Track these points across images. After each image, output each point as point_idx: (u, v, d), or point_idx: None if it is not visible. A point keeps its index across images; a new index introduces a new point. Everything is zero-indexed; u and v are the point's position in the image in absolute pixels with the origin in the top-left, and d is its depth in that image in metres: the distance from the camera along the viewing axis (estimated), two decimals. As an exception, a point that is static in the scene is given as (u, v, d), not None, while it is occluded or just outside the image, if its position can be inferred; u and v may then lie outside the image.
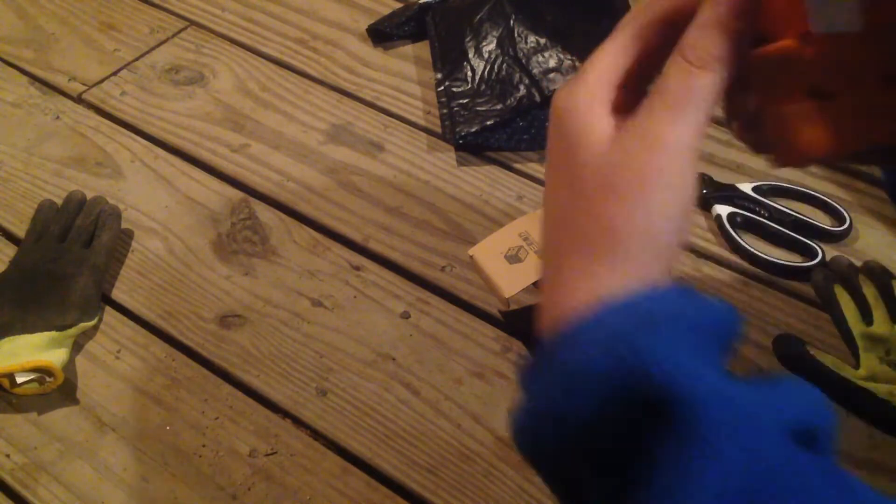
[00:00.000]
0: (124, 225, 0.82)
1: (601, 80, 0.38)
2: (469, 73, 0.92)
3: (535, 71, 0.90)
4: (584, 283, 0.36)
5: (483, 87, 0.91)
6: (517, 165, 0.87)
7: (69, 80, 0.99)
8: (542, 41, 0.91)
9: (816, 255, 0.77)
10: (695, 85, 0.36)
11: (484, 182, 0.85)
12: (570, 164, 0.38)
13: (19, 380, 0.70)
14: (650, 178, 0.35)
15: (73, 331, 0.73)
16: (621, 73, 0.39)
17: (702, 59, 0.36)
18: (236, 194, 0.86)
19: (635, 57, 0.39)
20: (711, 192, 0.82)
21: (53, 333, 0.72)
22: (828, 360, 0.68)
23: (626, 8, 0.98)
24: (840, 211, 0.81)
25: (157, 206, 0.85)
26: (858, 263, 0.76)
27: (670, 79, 0.36)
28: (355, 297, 0.77)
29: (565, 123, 0.38)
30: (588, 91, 0.38)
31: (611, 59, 0.39)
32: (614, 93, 0.38)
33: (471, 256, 0.72)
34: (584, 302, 0.36)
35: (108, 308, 0.77)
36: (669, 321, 0.34)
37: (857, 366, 0.69)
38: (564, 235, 0.38)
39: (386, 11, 1.04)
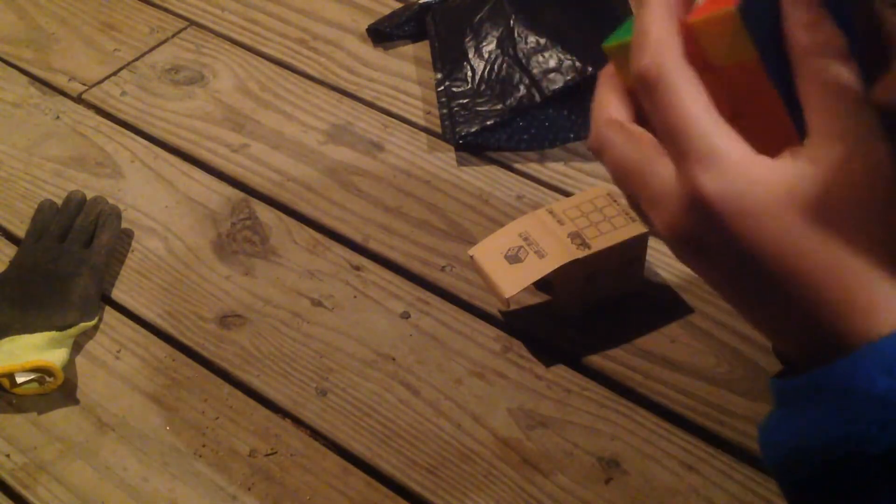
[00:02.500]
0: (124, 225, 0.82)
1: (738, 144, 0.35)
2: (469, 73, 0.92)
3: (535, 71, 0.90)
4: (857, 312, 0.34)
5: (483, 87, 0.91)
6: (517, 165, 0.87)
7: (69, 80, 0.99)
8: (542, 41, 0.91)
9: None
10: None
11: (484, 182, 0.85)
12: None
13: (19, 380, 0.70)
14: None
15: (73, 331, 0.73)
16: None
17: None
18: (236, 194, 0.86)
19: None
20: None
21: (53, 333, 0.72)
22: None
23: (627, 8, 0.98)
24: None
25: (157, 206, 0.85)
26: None
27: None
28: (355, 297, 0.77)
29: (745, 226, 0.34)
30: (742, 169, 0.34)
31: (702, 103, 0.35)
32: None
33: (471, 256, 0.72)
34: (864, 328, 0.33)
35: (108, 308, 0.77)
36: None
37: None
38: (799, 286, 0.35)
39: (386, 11, 1.04)
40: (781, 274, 0.34)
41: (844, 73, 0.33)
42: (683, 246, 0.37)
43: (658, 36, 0.36)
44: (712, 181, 0.34)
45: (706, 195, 0.34)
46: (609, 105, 0.41)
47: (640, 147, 0.38)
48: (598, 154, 0.40)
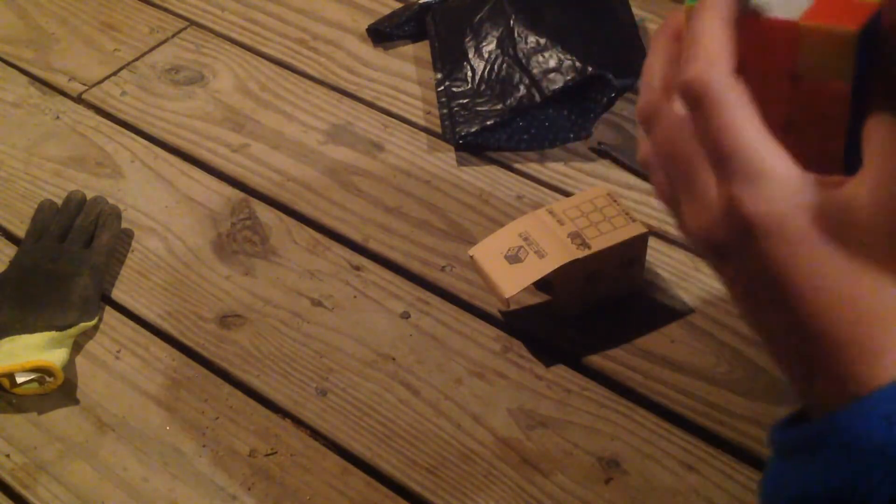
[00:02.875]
0: (124, 225, 0.82)
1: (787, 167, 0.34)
2: (469, 73, 0.92)
3: (535, 71, 0.90)
4: (864, 361, 0.33)
5: (483, 87, 0.91)
6: (517, 165, 0.87)
7: (69, 80, 0.99)
8: (542, 41, 0.91)
9: None
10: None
11: (484, 182, 0.85)
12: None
13: (19, 380, 0.70)
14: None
15: (73, 331, 0.73)
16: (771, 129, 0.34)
17: None
18: (236, 194, 0.86)
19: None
20: None
21: (53, 333, 0.72)
22: None
23: (626, 8, 0.98)
24: None
25: (157, 206, 0.85)
26: None
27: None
28: (355, 297, 0.77)
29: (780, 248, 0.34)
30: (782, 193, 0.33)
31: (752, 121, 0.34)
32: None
33: (471, 256, 0.72)
34: (869, 377, 0.33)
35: (108, 308, 0.77)
36: None
37: None
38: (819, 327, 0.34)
39: (386, 11, 1.04)
40: (803, 304, 0.34)
41: None
42: (710, 249, 0.37)
43: (709, 47, 0.35)
44: (754, 200, 0.34)
45: (747, 214, 0.34)
46: (665, 70, 0.38)
47: (693, 137, 0.36)
48: (644, 123, 0.38)
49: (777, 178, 0.33)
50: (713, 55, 0.35)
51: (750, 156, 0.34)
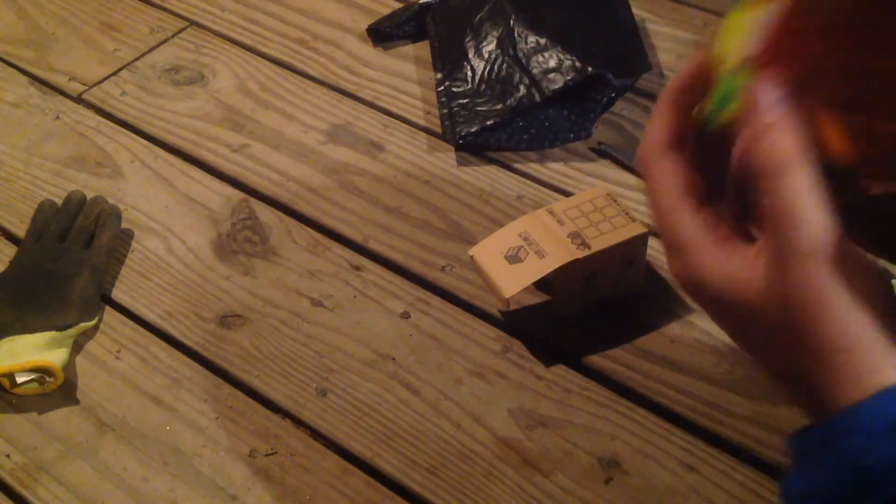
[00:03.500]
0: (124, 225, 0.82)
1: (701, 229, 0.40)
2: (469, 73, 0.92)
3: (535, 71, 0.90)
4: (851, 376, 0.36)
5: (483, 87, 0.91)
6: (517, 165, 0.87)
7: (69, 80, 0.99)
8: (542, 41, 0.91)
9: None
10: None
11: (484, 182, 0.85)
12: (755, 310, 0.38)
13: (19, 380, 0.70)
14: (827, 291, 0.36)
15: (73, 331, 0.73)
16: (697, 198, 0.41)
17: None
18: (236, 194, 0.86)
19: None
20: None
21: (53, 333, 0.72)
22: None
23: (627, 8, 0.98)
24: None
25: (157, 206, 0.85)
26: None
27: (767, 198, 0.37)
28: (355, 297, 0.77)
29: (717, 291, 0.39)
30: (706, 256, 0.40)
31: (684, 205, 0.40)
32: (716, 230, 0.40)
33: (471, 256, 0.72)
34: (866, 389, 0.36)
35: (108, 308, 0.77)
36: None
37: None
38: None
39: (386, 11, 1.04)
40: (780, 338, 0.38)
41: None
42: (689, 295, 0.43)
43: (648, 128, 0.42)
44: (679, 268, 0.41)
45: (681, 281, 0.42)
46: (665, 128, 0.42)
47: (680, 200, 0.41)
48: (641, 175, 0.43)
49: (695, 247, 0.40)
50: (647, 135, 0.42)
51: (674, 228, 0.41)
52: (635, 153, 0.43)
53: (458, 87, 0.92)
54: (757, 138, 0.37)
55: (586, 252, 0.69)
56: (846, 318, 0.36)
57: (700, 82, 0.41)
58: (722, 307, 0.40)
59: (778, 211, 0.36)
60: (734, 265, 0.39)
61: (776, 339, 0.38)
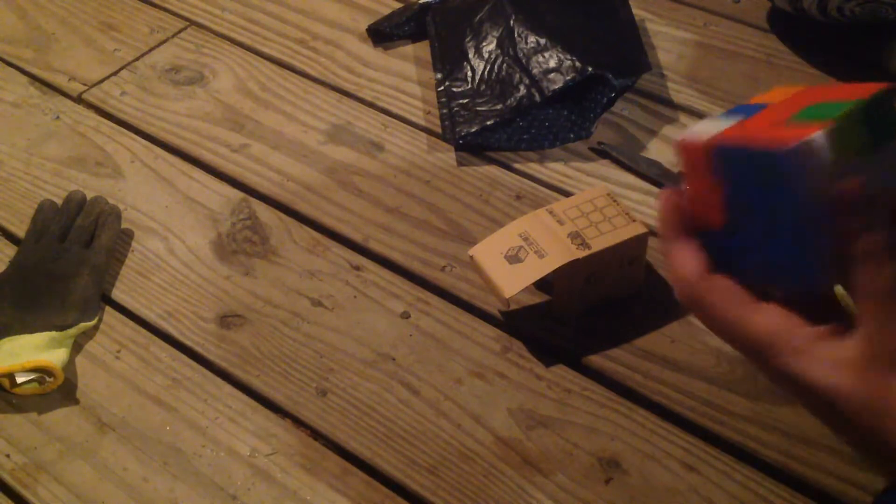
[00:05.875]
0: (124, 225, 0.82)
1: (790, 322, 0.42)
2: (469, 73, 0.92)
3: (535, 71, 0.90)
4: None
5: (483, 87, 0.91)
6: (517, 165, 0.87)
7: (69, 80, 0.99)
8: (542, 41, 0.91)
9: None
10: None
11: (484, 182, 0.85)
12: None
13: (19, 380, 0.70)
14: None
15: (73, 331, 0.73)
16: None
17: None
18: (236, 194, 0.86)
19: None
20: None
21: (53, 333, 0.72)
22: None
23: (627, 8, 0.98)
24: None
25: (157, 206, 0.85)
26: None
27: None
28: (355, 297, 0.77)
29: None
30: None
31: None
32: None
33: (471, 256, 0.72)
34: None
35: (108, 308, 0.77)
36: None
37: None
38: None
39: (386, 11, 1.04)
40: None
41: None
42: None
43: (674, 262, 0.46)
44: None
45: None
46: (692, 258, 0.45)
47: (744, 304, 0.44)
48: (692, 308, 0.46)
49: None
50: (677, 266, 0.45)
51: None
52: (675, 295, 0.45)
53: (458, 87, 0.92)
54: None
55: (586, 252, 0.69)
56: None
57: (682, 209, 0.45)
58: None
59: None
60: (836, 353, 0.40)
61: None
